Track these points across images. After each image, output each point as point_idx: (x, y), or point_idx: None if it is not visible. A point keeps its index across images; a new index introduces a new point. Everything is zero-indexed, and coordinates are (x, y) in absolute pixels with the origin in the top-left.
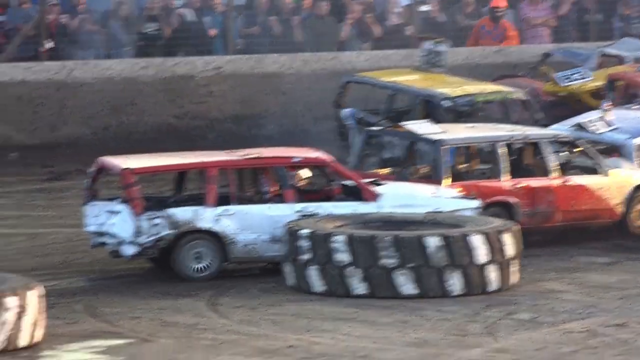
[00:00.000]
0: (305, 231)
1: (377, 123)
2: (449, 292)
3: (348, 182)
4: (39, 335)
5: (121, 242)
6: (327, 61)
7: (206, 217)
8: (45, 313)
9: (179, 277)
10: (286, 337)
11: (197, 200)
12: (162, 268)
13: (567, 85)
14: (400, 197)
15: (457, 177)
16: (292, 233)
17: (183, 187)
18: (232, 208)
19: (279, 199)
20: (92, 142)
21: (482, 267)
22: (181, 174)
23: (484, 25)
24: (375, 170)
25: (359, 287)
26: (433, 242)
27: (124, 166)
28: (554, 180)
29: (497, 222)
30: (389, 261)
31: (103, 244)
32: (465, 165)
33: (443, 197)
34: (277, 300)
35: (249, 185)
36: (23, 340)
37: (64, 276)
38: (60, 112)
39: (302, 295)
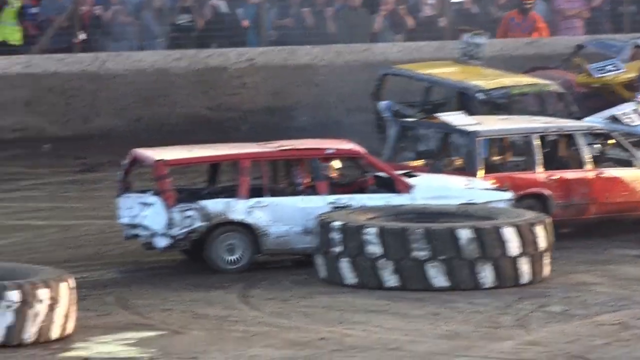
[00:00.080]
0: (337, 223)
1: (413, 115)
2: (481, 284)
3: (381, 174)
4: (70, 327)
5: (154, 234)
6: (359, 53)
7: (238, 209)
8: (77, 305)
9: (211, 269)
10: (318, 329)
11: (230, 192)
12: (194, 260)
13: (601, 77)
14: (433, 188)
15: (491, 168)
16: (324, 225)
17: (216, 179)
18: (265, 200)
19: (311, 190)
20: (125, 134)
21: (514, 260)
22: (214, 166)
23: (513, 17)
24: (408, 162)
25: (391, 279)
26: (465, 234)
27: (157, 158)
28: (588, 172)
29: (529, 214)
30: (420, 253)
31: (136, 235)
32: (499, 157)
33: (476, 189)
34: (309, 293)
35: (281, 177)
36: (55, 332)
37: (96, 268)
38: (92, 104)
39: (334, 287)
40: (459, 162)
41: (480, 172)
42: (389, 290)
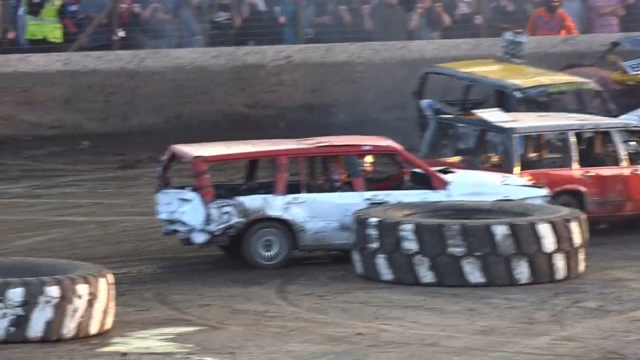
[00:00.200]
0: (373, 220)
1: (452, 113)
2: (516, 280)
3: (418, 170)
4: (109, 322)
5: (192, 230)
6: (396, 50)
7: (276, 205)
8: (115, 300)
9: (248, 265)
10: (354, 324)
11: (268, 188)
12: (231, 256)
13: (636, 74)
14: (469, 185)
15: (527, 165)
16: (360, 221)
17: (254, 175)
18: (302, 196)
19: (348, 187)
20: (163, 131)
21: (549, 256)
22: (252, 162)
23: (541, 15)
24: (445, 159)
25: (427, 275)
26: (500, 230)
27: (196, 154)
28: (624, 169)
29: (564, 211)
30: (456, 250)
31: (174, 231)
32: (535, 154)
33: (512, 186)
34: (346, 288)
35: (319, 173)
36: (93, 328)
37: (135, 264)
38: (131, 101)
39: (370, 283)
40: (495, 158)
41: (517, 169)
42: (425, 286)
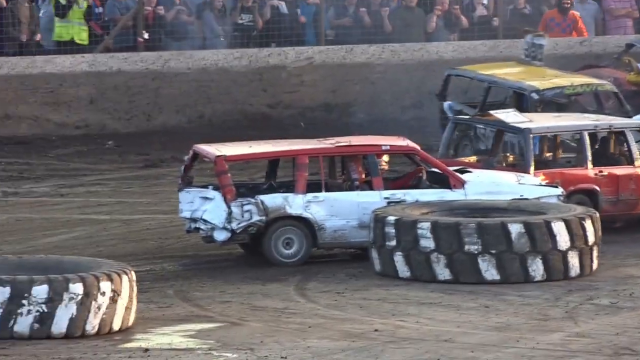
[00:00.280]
0: (391, 218)
1: (471, 114)
2: (531, 277)
3: (435, 170)
4: (131, 318)
5: (214, 228)
6: (415, 51)
7: (296, 203)
8: (138, 297)
9: (268, 262)
10: (372, 321)
11: (288, 187)
12: (252, 254)
13: None
14: (485, 184)
15: (542, 165)
16: (379, 220)
17: (275, 174)
18: (322, 195)
19: (367, 186)
20: (186, 131)
21: (563, 253)
22: (273, 161)
23: (552, 17)
24: (462, 158)
25: (444, 272)
26: (516, 228)
27: (218, 154)
28: (637, 168)
29: (578, 209)
30: (472, 247)
31: (196, 229)
32: (550, 153)
33: (527, 185)
34: (364, 285)
35: (338, 172)
36: (116, 324)
37: (158, 261)
38: (155, 101)
39: (388, 280)
40: (511, 158)
41: (532, 168)
42: (442, 284)
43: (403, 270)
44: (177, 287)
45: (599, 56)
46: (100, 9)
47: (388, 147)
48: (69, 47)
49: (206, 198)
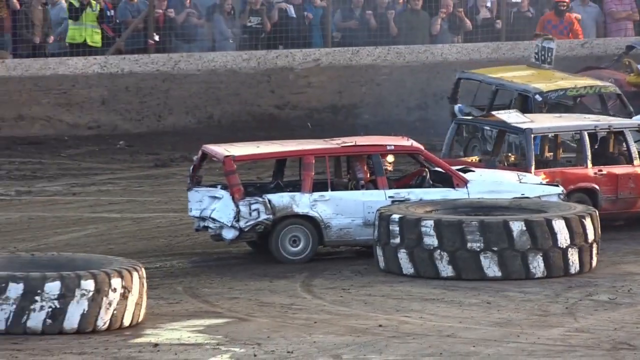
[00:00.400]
0: (396, 216)
1: (471, 114)
2: (532, 274)
3: (439, 169)
4: (141, 314)
5: (222, 227)
6: (420, 53)
7: (303, 202)
8: (148, 293)
9: (276, 259)
10: (376, 316)
11: (295, 186)
12: (259, 251)
13: None
14: (487, 183)
15: (543, 164)
16: (383, 218)
17: (282, 174)
18: (328, 194)
19: (372, 185)
20: (196, 131)
21: (563, 251)
22: (280, 161)
23: (550, 19)
24: (464, 158)
25: (447, 269)
26: (517, 226)
27: (226, 154)
28: (636, 167)
29: (578, 208)
30: (475, 245)
31: (205, 228)
32: (551, 153)
33: (528, 184)
34: (369, 282)
35: (344, 172)
36: (127, 320)
37: (167, 259)
38: (166, 102)
39: (392, 277)
40: (513, 158)
41: (533, 168)
42: (445, 280)
43: (407, 267)
44: (186, 283)
45: (600, 58)
46: (112, 12)
47: (392, 147)
48: (81, 49)
49: (215, 197)
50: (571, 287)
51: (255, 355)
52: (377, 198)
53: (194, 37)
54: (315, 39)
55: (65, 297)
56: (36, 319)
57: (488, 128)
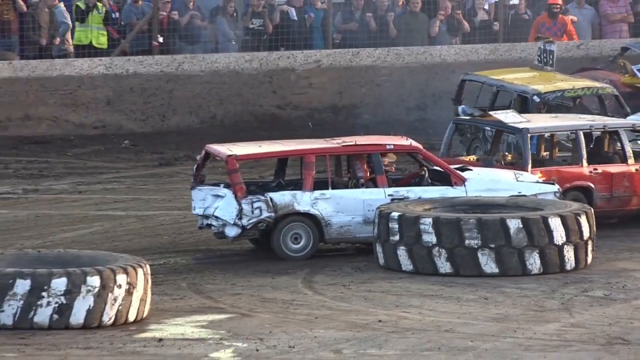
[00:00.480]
0: (395, 214)
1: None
2: (529, 270)
3: (437, 168)
4: (146, 310)
5: (225, 224)
6: (418, 55)
7: (304, 200)
8: (152, 289)
9: (277, 256)
10: (376, 312)
11: (296, 185)
12: (261, 248)
13: None
14: (485, 182)
15: (540, 163)
16: (383, 215)
17: (283, 172)
18: (328, 192)
19: (372, 183)
20: (199, 131)
21: (559, 248)
22: (281, 160)
23: (543, 22)
24: (462, 157)
25: (445, 266)
26: (514, 224)
27: (229, 153)
28: (630, 166)
29: (574, 206)
30: (472, 242)
31: (208, 225)
32: (547, 152)
33: (525, 182)
34: (368, 278)
35: (344, 171)
36: (131, 315)
37: (172, 255)
38: (169, 103)
39: (391, 273)
40: (510, 157)
41: (530, 167)
42: (443, 276)
43: (406, 263)
44: (190, 280)
45: (595, 59)
46: (117, 14)
47: (392, 147)
48: (86, 50)
49: (218, 195)
50: (567, 284)
51: (257, 350)
52: (377, 196)
53: (197, 38)
54: (316, 40)
55: (71, 293)
56: (43, 314)
57: (489, 129)
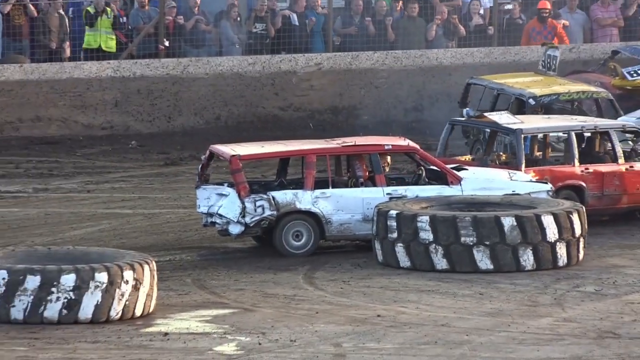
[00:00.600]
0: (393, 212)
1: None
2: (522, 267)
3: (434, 168)
4: (152, 305)
5: (228, 222)
6: (416, 58)
7: (305, 199)
8: (158, 285)
9: (279, 253)
10: (375, 307)
11: (297, 184)
12: (264, 245)
13: (634, 80)
14: (480, 181)
15: (533, 163)
16: (381, 214)
17: (285, 172)
18: (329, 191)
19: (370, 182)
20: (204, 131)
21: (552, 245)
22: (283, 160)
23: (534, 27)
24: (458, 157)
25: (441, 262)
26: (508, 221)
27: (233, 153)
28: (621, 166)
29: (566, 204)
30: (468, 239)
31: (213, 223)
32: (540, 152)
33: (518, 181)
34: (367, 274)
35: (344, 170)
36: (138, 310)
37: (177, 252)
38: (175, 104)
39: (390, 270)
40: (504, 157)
41: (523, 166)
42: (439, 273)
43: (404, 260)
44: (195, 276)
45: (587, 62)
46: (125, 19)
47: (390, 147)
48: (95, 54)
49: (222, 194)
50: (559, 279)
51: (260, 344)
52: (376, 195)
53: (202, 42)
54: (317, 44)
55: (80, 288)
56: (52, 310)
57: (489, 131)
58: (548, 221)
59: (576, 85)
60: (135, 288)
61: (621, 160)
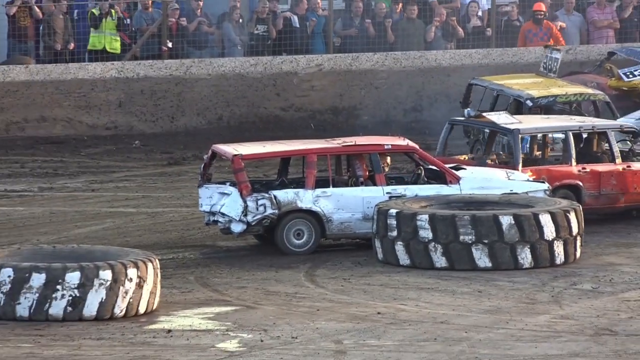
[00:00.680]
0: (393, 211)
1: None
2: (520, 265)
3: (433, 167)
4: (155, 303)
5: (231, 221)
6: (415, 59)
7: (306, 198)
8: (161, 283)
9: (281, 251)
10: (375, 304)
11: (299, 183)
12: (265, 244)
13: (630, 81)
14: (478, 180)
15: (531, 162)
16: (381, 212)
17: (286, 171)
18: (329, 190)
19: (371, 181)
20: (207, 131)
21: (549, 243)
22: (285, 160)
23: (530, 29)
24: (457, 157)
25: (440, 260)
26: (506, 220)
27: (235, 153)
28: (618, 165)
29: (563, 203)
30: (467, 237)
31: (215, 222)
32: (538, 152)
33: (516, 181)
34: (368, 272)
35: (344, 169)
36: (142, 307)
37: (180, 250)
38: (178, 105)
39: (389, 268)
40: (502, 156)
41: (521, 166)
42: (439, 270)
43: (403, 258)
44: (198, 273)
45: (583, 63)
46: (128, 20)
47: (390, 147)
48: (101, 55)
49: (224, 193)
50: (557, 277)
51: (262, 341)
52: (376, 194)
53: (204, 43)
54: (318, 45)
55: (84, 286)
56: (57, 307)
57: (488, 131)
58: (545, 220)
59: (574, 87)
60: (139, 286)
61: (618, 160)
